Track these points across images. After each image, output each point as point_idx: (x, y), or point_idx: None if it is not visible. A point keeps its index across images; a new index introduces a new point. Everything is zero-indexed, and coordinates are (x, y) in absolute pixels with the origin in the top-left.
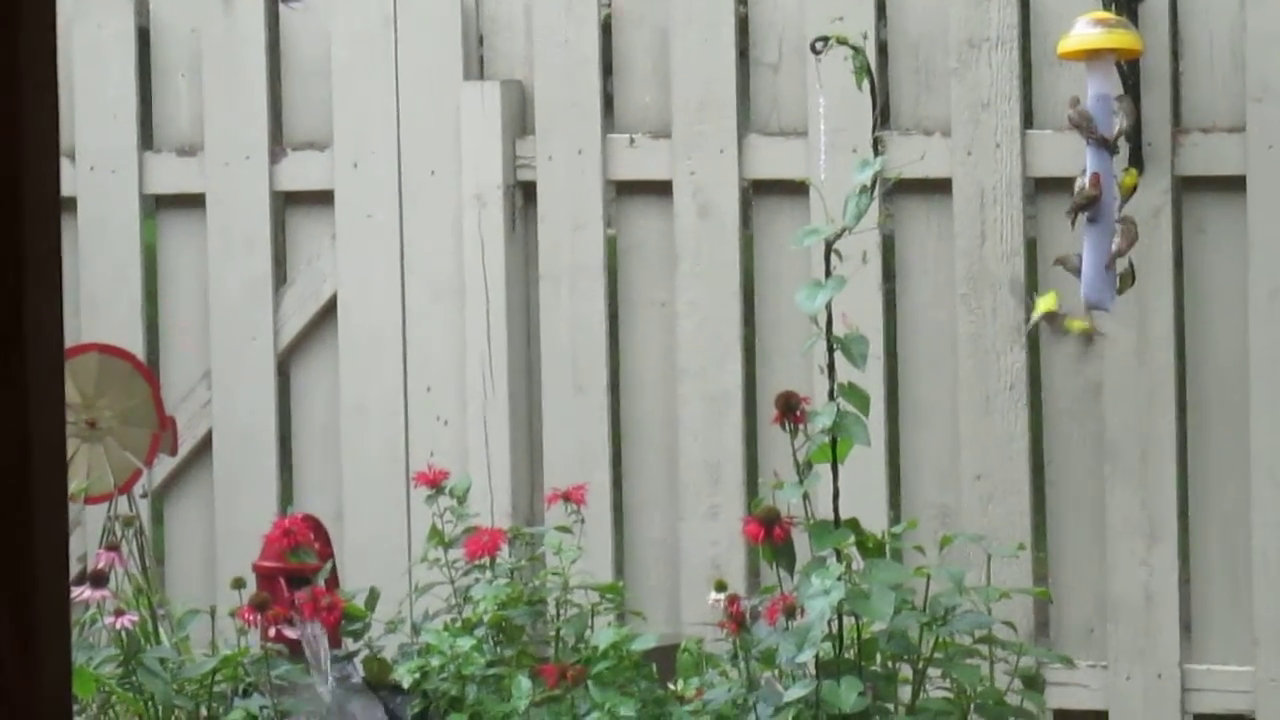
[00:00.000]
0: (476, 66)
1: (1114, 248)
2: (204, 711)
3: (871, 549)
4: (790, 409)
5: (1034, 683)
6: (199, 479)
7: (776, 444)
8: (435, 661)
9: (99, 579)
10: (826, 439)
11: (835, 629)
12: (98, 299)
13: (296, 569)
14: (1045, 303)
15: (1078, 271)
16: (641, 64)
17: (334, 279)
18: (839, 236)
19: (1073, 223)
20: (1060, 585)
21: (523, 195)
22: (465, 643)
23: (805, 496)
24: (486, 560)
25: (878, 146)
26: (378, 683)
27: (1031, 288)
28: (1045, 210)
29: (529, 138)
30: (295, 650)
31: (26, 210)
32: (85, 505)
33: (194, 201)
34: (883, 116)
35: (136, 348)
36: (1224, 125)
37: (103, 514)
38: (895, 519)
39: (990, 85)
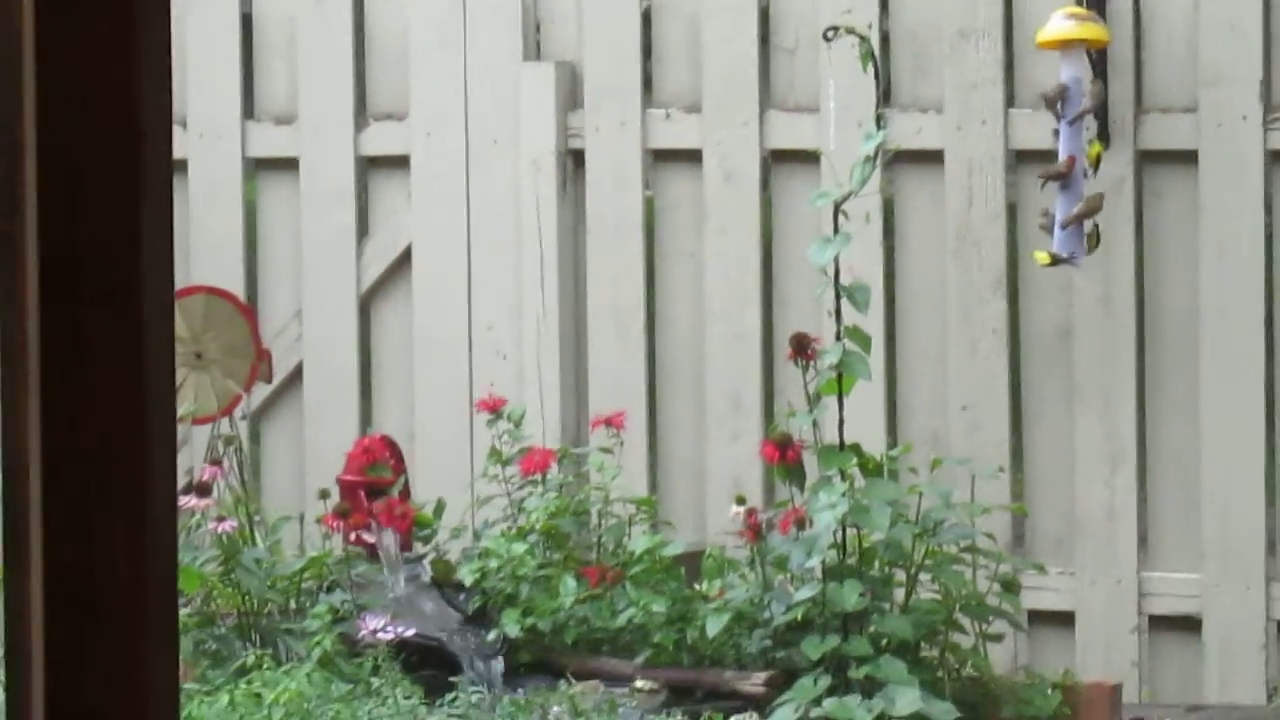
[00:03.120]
0: (534, 49)
1: (1075, 211)
2: (293, 605)
3: (871, 469)
4: (803, 348)
5: (1011, 586)
6: (291, 404)
7: (790, 378)
8: (493, 564)
9: (203, 489)
10: (834, 374)
11: (839, 539)
12: (206, 248)
13: (374, 482)
14: (1041, 257)
15: (1050, 229)
16: (676, 48)
17: (409, 232)
18: (846, 199)
19: (1042, 186)
20: (1034, 503)
21: (573, 162)
22: (519, 547)
23: (814, 424)
24: (538, 476)
25: (880, 121)
26: (443, 581)
27: (1013, 245)
28: (1024, 178)
29: (579, 111)
30: (372, 553)
31: (144, 170)
32: (192, 426)
33: (289, 165)
34: (885, 96)
35: (238, 290)
36: (1179, 106)
37: (207, 434)
38: (892, 444)
39: (978, 69)
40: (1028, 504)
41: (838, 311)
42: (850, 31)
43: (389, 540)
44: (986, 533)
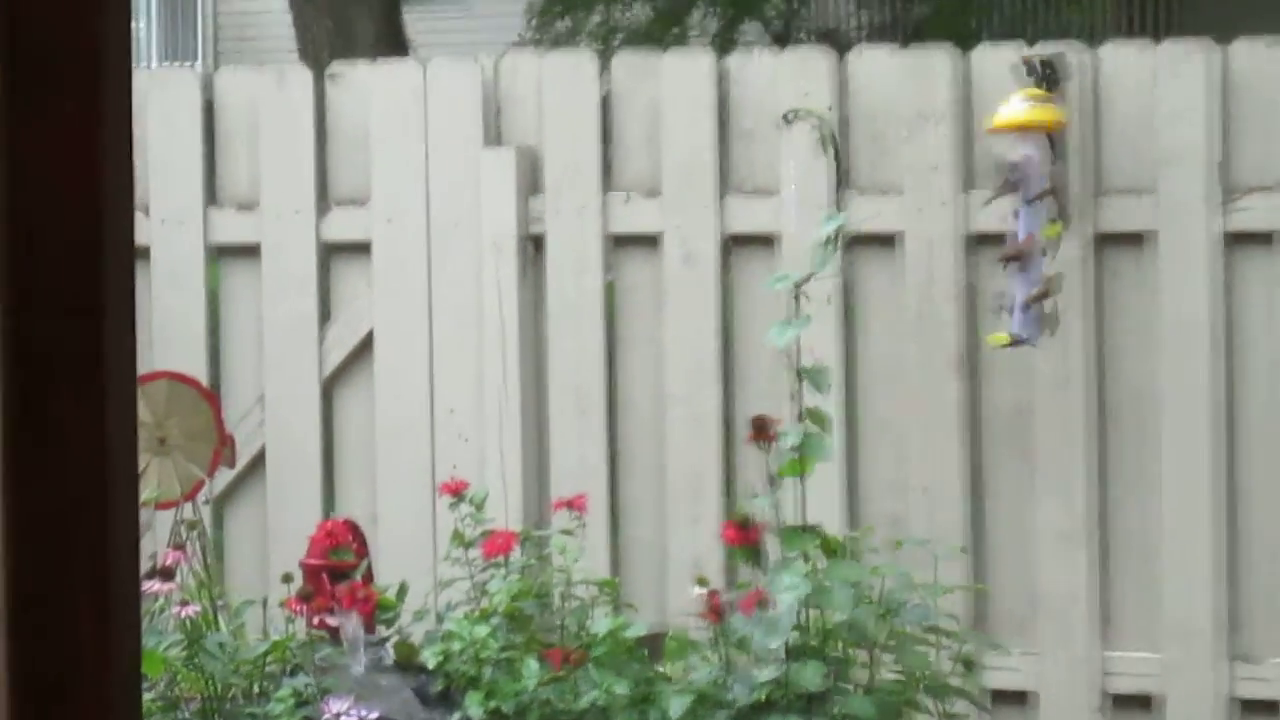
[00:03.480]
0: (495, 134)
1: (1034, 292)
2: (257, 689)
3: (833, 551)
4: (763, 429)
5: (972, 666)
6: (254, 488)
7: (750, 459)
8: (456, 646)
9: (167, 574)
10: (794, 455)
11: (802, 620)
12: (168, 334)
13: (337, 566)
14: (999, 339)
15: (1010, 310)
16: (635, 133)
17: (370, 317)
18: (805, 281)
19: (1004, 267)
20: (995, 582)
21: (533, 246)
22: (482, 630)
23: (775, 505)
24: (501, 559)
25: (839, 204)
26: (406, 664)
27: (972, 325)
28: (983, 259)
29: (539, 196)
30: (335, 636)
31: (106, 255)
32: (155, 511)
33: (251, 250)
34: (844, 178)
35: (201, 375)
36: (1136, 188)
37: (170, 518)
38: (853, 525)
39: (936, 152)
40: (989, 584)
41: (798, 393)
42: (810, 114)
43: (352, 624)
44: (948, 613)
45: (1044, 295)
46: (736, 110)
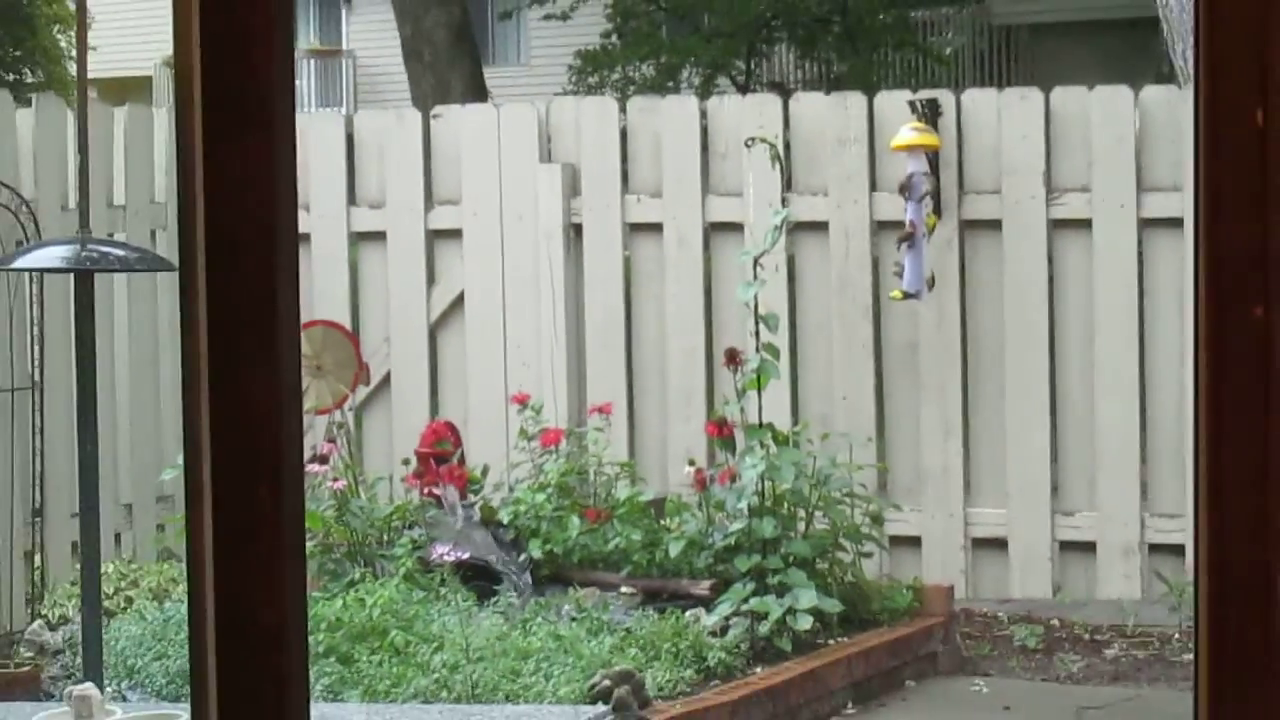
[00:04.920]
0: (547, 154)
1: (904, 232)
2: (385, 538)
3: (781, 441)
4: (733, 358)
5: (877, 520)
6: (383, 400)
7: (724, 379)
8: (522, 508)
9: (323, 459)
10: (754, 376)
11: (760, 489)
12: (323, 294)
13: (440, 453)
14: (895, 294)
15: (902, 275)
16: (645, 153)
17: (462, 281)
18: (762, 256)
19: (898, 247)
20: (893, 462)
21: (575, 232)
22: (540, 497)
23: (741, 410)
24: (553, 448)
25: (784, 202)
26: (488, 520)
27: (877, 286)
28: (884, 240)
29: (579, 197)
30: (439, 502)
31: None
32: (315, 416)
33: (380, 236)
34: (787, 184)
35: (346, 322)
36: (988, 189)
37: (325, 422)
38: (795, 422)
39: (852, 165)
40: (888, 463)
41: (756, 333)
42: (764, 140)
43: (451, 493)
44: (860, 483)
45: (909, 236)
46: (714, 137)
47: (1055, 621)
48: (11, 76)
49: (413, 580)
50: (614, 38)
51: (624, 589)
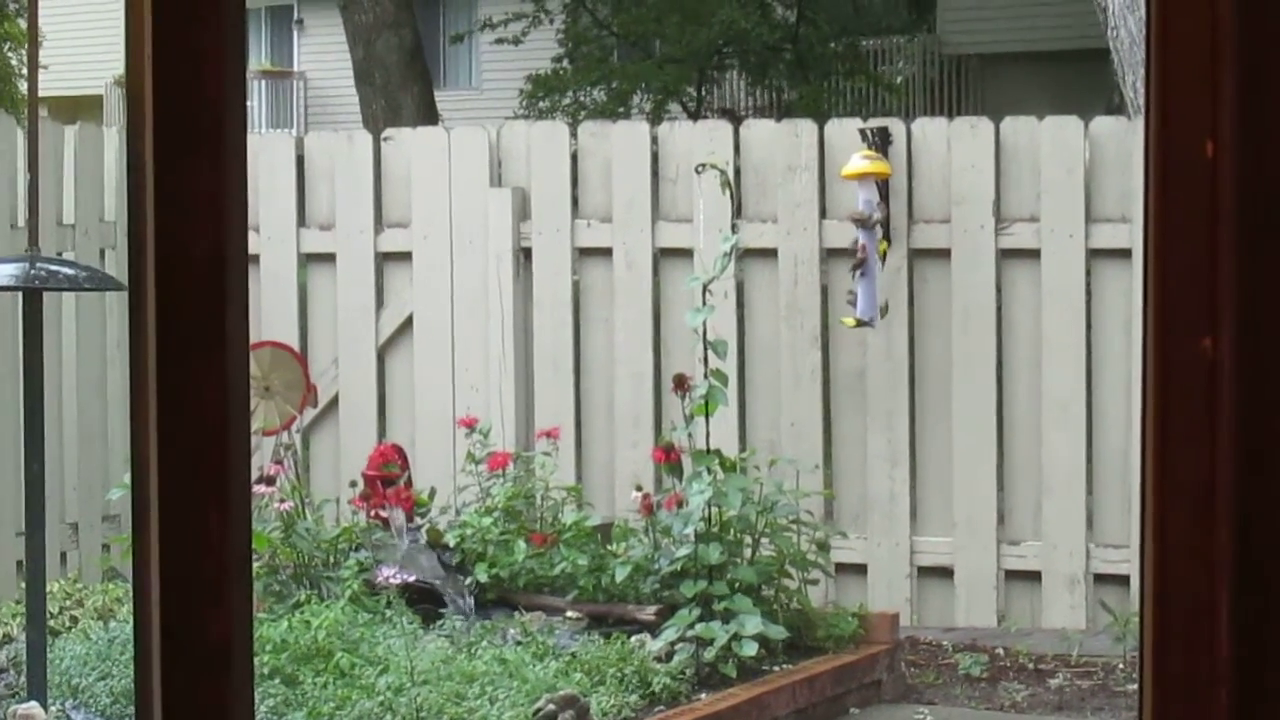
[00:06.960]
0: (497, 178)
1: (875, 295)
2: (332, 560)
3: (728, 467)
4: (682, 383)
5: (823, 547)
6: (330, 422)
7: (672, 404)
8: (469, 531)
9: (269, 481)
10: (702, 401)
11: (707, 514)
12: (272, 316)
13: (387, 476)
14: (849, 321)
15: (854, 303)
16: (595, 178)
17: (411, 304)
18: (711, 281)
19: (852, 274)
20: (840, 489)
21: (524, 256)
22: (487, 520)
23: (689, 436)
24: (500, 471)
25: (734, 229)
26: (434, 543)
27: (825, 313)
28: (834, 267)
29: (528, 221)
30: (386, 524)
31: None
32: (262, 437)
33: (329, 258)
34: (737, 210)
35: (294, 343)
36: (938, 219)
37: (273, 443)
38: (742, 449)
39: (801, 192)
40: (835, 490)
41: (705, 359)
42: (714, 167)
43: (398, 516)
44: (807, 510)
45: (862, 264)
46: (665, 163)
47: (1000, 650)
48: None
49: (358, 603)
50: (565, 62)
51: (570, 613)
